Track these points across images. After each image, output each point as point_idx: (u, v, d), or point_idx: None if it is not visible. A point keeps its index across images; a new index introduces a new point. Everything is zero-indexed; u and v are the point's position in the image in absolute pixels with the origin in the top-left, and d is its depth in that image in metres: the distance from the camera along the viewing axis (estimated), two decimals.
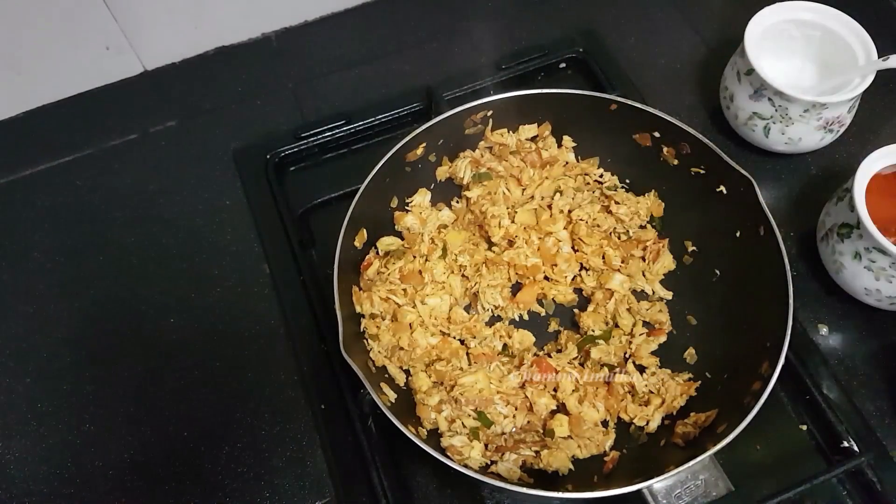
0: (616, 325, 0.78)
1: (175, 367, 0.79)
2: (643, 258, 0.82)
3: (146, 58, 0.99)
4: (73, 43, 0.93)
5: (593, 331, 0.78)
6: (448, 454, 0.67)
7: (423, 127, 0.78)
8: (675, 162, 0.81)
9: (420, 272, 0.78)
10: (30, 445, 0.75)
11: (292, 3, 1.02)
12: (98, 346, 0.81)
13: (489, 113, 0.81)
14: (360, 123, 0.92)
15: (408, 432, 0.63)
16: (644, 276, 0.81)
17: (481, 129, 0.83)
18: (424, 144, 0.80)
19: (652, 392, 0.74)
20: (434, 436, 0.71)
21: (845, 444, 0.71)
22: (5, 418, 0.77)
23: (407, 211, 0.83)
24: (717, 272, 0.79)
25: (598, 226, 0.82)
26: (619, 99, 0.79)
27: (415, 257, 0.79)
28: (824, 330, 0.79)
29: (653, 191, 0.84)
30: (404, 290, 0.77)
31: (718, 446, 0.61)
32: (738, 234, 0.76)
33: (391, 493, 0.69)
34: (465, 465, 0.64)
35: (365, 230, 0.77)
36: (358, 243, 0.77)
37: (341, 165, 0.92)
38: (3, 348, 0.81)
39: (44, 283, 0.85)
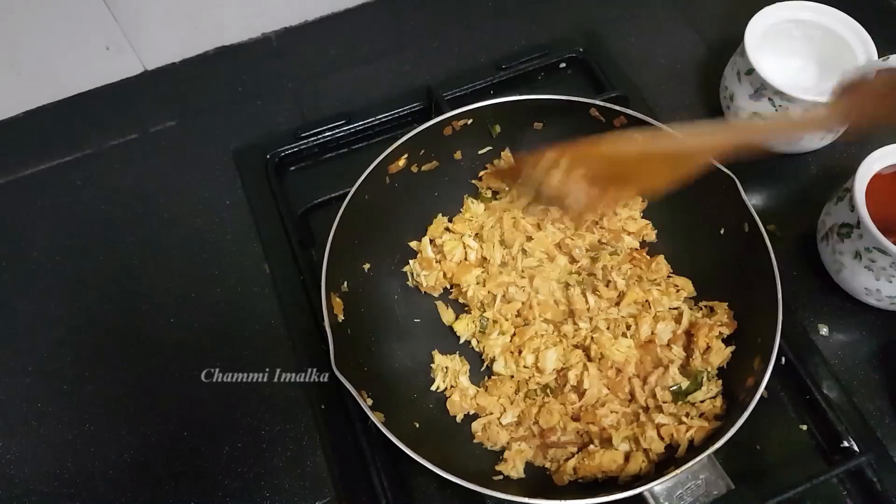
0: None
1: (175, 367, 0.79)
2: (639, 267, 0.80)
3: (146, 58, 0.99)
4: (73, 43, 0.93)
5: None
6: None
7: (403, 139, 0.77)
8: None
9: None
10: (30, 445, 0.75)
11: (292, 3, 1.02)
12: (98, 346, 0.81)
13: (469, 121, 0.80)
14: (360, 123, 0.92)
15: (411, 452, 0.62)
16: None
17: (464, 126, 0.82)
18: (406, 156, 0.79)
19: None
20: None
21: (845, 444, 0.71)
22: (5, 418, 0.77)
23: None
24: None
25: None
26: (598, 103, 0.77)
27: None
28: (824, 330, 0.79)
29: (648, 222, 0.83)
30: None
31: (717, 444, 0.61)
32: (721, 232, 0.76)
33: (391, 493, 0.69)
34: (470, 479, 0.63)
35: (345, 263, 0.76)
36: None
37: (341, 165, 0.92)
38: (4, 348, 0.81)
39: (44, 283, 0.85)
